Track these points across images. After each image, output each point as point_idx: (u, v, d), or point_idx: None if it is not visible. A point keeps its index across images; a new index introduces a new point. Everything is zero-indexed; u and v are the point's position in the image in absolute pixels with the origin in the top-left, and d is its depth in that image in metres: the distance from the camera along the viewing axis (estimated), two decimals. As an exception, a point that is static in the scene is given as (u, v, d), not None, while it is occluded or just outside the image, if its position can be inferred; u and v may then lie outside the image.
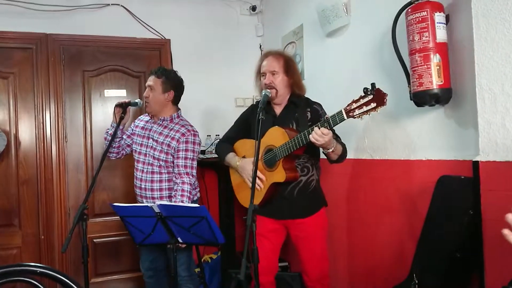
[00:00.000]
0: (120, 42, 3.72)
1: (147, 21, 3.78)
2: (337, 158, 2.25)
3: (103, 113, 3.71)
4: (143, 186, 2.70)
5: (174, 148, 2.65)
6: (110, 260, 3.61)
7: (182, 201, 2.53)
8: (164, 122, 2.74)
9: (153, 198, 2.68)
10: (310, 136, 2.03)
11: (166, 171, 2.68)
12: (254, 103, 2.63)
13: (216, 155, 2.76)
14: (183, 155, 2.64)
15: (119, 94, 3.74)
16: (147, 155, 2.71)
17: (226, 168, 2.65)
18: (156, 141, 2.70)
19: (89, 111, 3.67)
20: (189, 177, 2.62)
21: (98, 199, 3.65)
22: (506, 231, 0.88)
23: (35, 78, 3.49)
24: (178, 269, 2.57)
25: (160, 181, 2.68)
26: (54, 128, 3.53)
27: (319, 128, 2.00)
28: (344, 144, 2.28)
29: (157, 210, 2.17)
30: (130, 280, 3.71)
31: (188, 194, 2.59)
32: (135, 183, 2.78)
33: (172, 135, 2.67)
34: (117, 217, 2.31)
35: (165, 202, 2.22)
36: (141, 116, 2.97)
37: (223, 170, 2.92)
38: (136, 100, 2.74)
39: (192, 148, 2.66)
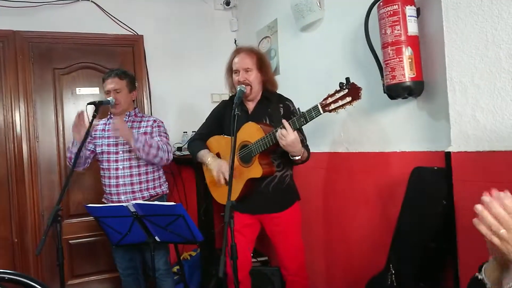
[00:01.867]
0: (91, 39, 3.64)
1: (119, 17, 3.71)
2: (300, 162, 2.25)
3: (75, 112, 3.51)
4: (121, 183, 2.72)
5: (150, 134, 2.77)
6: (86, 261, 3.55)
7: (146, 141, 2.58)
8: (130, 117, 2.83)
9: (133, 192, 2.73)
10: (277, 134, 2.04)
11: (144, 163, 2.75)
12: (228, 99, 2.61)
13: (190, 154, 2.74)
14: (157, 134, 2.77)
15: (92, 92, 3.67)
16: (123, 152, 2.74)
17: (201, 165, 2.63)
18: None
19: (61, 110, 3.59)
20: (168, 146, 2.73)
21: (74, 199, 3.57)
22: (476, 221, 0.90)
23: (2, 77, 3.38)
24: (157, 263, 2.68)
25: (139, 174, 2.75)
26: (24, 128, 3.43)
27: (291, 125, 2.03)
28: (308, 148, 2.30)
29: (132, 209, 2.14)
30: (107, 281, 3.65)
31: (161, 153, 2.65)
32: (107, 183, 2.76)
33: (144, 125, 2.80)
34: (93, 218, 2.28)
35: (140, 201, 2.19)
36: (95, 122, 2.87)
37: (200, 166, 2.90)
38: (108, 99, 2.72)
39: (164, 130, 2.82)
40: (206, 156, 2.45)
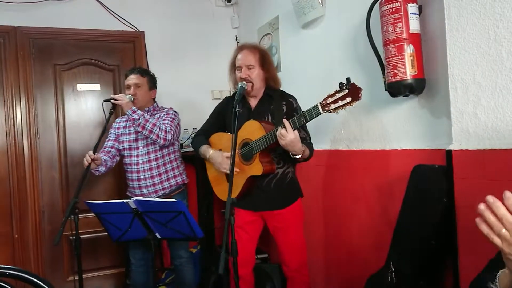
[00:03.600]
0: (92, 35, 3.63)
1: (120, 13, 3.70)
2: (301, 160, 2.26)
3: (76, 108, 3.62)
4: (142, 177, 2.85)
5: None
6: (89, 257, 3.55)
7: (143, 115, 2.71)
8: (148, 112, 2.91)
9: (153, 185, 2.85)
10: (277, 133, 2.04)
11: (161, 155, 2.87)
12: (230, 95, 2.61)
13: (193, 149, 2.75)
14: (163, 117, 2.86)
15: (93, 88, 3.66)
16: (142, 146, 2.86)
17: (204, 161, 2.63)
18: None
19: (62, 106, 3.58)
20: (168, 126, 2.77)
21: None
22: (478, 220, 0.89)
23: (3, 73, 3.37)
24: (179, 252, 2.94)
25: (157, 166, 2.86)
26: (25, 124, 3.43)
27: (291, 125, 2.03)
28: (312, 145, 2.30)
29: (133, 206, 2.14)
30: (110, 277, 3.67)
31: (156, 130, 2.71)
32: (130, 177, 2.89)
33: (158, 117, 2.89)
34: (93, 214, 2.29)
35: (140, 198, 2.19)
36: (117, 119, 3.08)
37: (200, 163, 2.91)
38: (127, 96, 2.79)
39: (173, 117, 2.88)
40: (207, 150, 2.46)
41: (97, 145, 2.55)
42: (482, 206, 0.89)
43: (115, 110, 2.76)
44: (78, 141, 3.59)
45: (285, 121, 2.03)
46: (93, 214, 2.28)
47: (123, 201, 2.15)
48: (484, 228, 0.89)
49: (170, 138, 2.77)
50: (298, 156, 2.15)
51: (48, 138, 3.52)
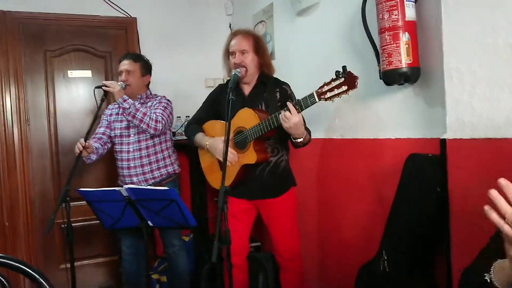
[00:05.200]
0: (83, 21, 3.56)
1: (112, -1, 3.64)
2: (302, 145, 2.25)
3: (67, 95, 3.57)
4: (132, 165, 2.83)
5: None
6: (81, 245, 3.52)
7: (134, 104, 2.68)
8: (141, 99, 2.89)
9: (144, 173, 2.84)
10: (280, 118, 2.02)
11: (152, 143, 2.87)
12: (224, 83, 2.58)
13: (186, 137, 2.73)
14: (157, 106, 2.83)
15: (84, 75, 3.61)
16: (134, 134, 2.84)
17: (197, 150, 2.62)
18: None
19: (52, 93, 3.52)
20: (159, 116, 2.75)
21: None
22: (487, 208, 0.85)
23: (-8, 59, 3.31)
24: (171, 240, 2.93)
25: (148, 155, 2.85)
26: (15, 112, 3.37)
27: (289, 111, 1.99)
28: (309, 130, 2.28)
29: (125, 193, 2.12)
30: (102, 265, 3.66)
31: (146, 119, 2.69)
32: (120, 165, 2.87)
33: (150, 104, 2.87)
34: (85, 202, 2.27)
35: (132, 186, 2.18)
36: (110, 106, 3.05)
37: (193, 151, 2.89)
38: (119, 83, 2.76)
39: (165, 105, 2.85)
40: (203, 139, 2.43)
41: (88, 133, 2.52)
42: (494, 192, 0.83)
43: (107, 97, 2.72)
44: (69, 128, 3.54)
45: (289, 104, 2.01)
46: (85, 202, 2.26)
47: (115, 189, 2.13)
48: (495, 216, 0.83)
49: (160, 127, 2.74)
50: (299, 140, 2.14)
51: (39, 126, 3.47)
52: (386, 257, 1.93)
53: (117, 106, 2.92)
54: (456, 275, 1.68)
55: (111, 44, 3.68)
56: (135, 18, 3.74)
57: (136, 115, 2.67)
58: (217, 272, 2.63)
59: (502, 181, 0.84)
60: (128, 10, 3.69)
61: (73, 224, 2.66)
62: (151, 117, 2.70)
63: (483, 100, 1.58)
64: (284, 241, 2.41)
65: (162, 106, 2.83)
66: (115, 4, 3.64)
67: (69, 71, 3.56)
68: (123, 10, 3.68)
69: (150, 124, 2.69)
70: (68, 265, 2.41)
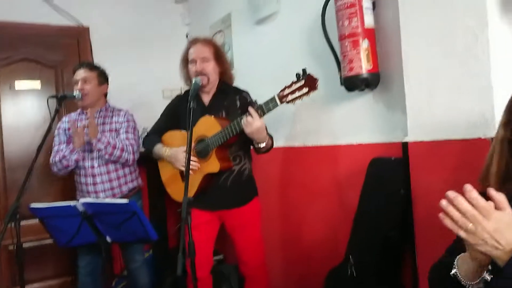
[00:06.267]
0: (32, 29, 3.38)
1: (63, 6, 3.48)
2: (265, 151, 2.23)
3: (14, 107, 3.36)
4: (98, 181, 2.70)
5: (117, 130, 2.76)
6: (31, 267, 3.30)
7: (109, 143, 2.58)
8: (101, 113, 2.79)
9: (112, 188, 2.72)
10: (242, 122, 2.00)
11: None
12: (182, 94, 2.54)
13: (144, 149, 2.64)
14: (125, 130, 2.74)
15: (33, 86, 3.42)
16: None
17: (155, 162, 2.53)
18: (103, 132, 2.70)
19: (-2, 106, 3.31)
20: (134, 145, 2.72)
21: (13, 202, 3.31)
22: (442, 215, 0.89)
23: None
24: (133, 255, 2.81)
25: (116, 169, 2.73)
26: (-44, 125, 3.13)
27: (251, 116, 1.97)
28: (271, 135, 2.28)
29: (81, 208, 2.01)
30: (55, 287, 3.43)
31: (125, 155, 2.65)
32: (83, 181, 2.72)
33: (115, 120, 2.77)
34: (36, 220, 2.12)
35: (90, 199, 2.07)
36: (64, 118, 2.88)
37: (151, 164, 2.80)
38: (74, 93, 2.65)
39: (133, 126, 2.80)
40: (162, 149, 2.36)
41: (41, 146, 2.34)
42: (444, 203, 0.87)
43: (61, 107, 2.56)
44: (17, 143, 3.33)
45: (251, 109, 1.99)
46: (35, 220, 2.11)
47: (70, 204, 2.01)
48: (448, 222, 0.88)
49: (138, 156, 2.73)
50: (262, 145, 2.11)
51: (-18, 141, 3.25)
52: (353, 261, 1.93)
53: (73, 118, 2.78)
54: (422, 275, 1.70)
55: (62, 54, 3.52)
56: (88, 28, 3.60)
57: (114, 153, 2.60)
58: (181, 287, 2.54)
59: (450, 194, 0.87)
60: (80, 19, 3.56)
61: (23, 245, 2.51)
62: (128, 150, 2.66)
63: (442, 103, 1.63)
64: (250, 250, 2.37)
65: (131, 129, 2.77)
66: (66, 12, 3.50)
67: (16, 82, 3.36)
68: (74, 19, 3.54)
69: (129, 159, 2.67)
70: (18, 289, 2.24)
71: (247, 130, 2.00)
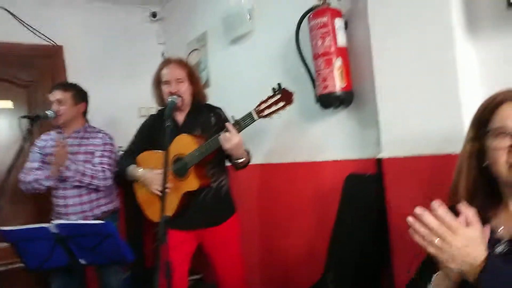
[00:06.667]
0: (4, 48, 3.32)
1: (35, 25, 3.45)
2: (242, 166, 2.24)
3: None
4: (70, 203, 2.61)
5: (92, 153, 2.68)
6: (-1, 293, 3.19)
7: (78, 171, 2.51)
8: (79, 134, 2.72)
9: (83, 211, 2.62)
10: (220, 138, 2.00)
11: None
12: (156, 113, 2.52)
13: (120, 171, 2.59)
14: (99, 155, 2.67)
15: (4, 106, 3.35)
16: None
17: (131, 183, 2.49)
18: (77, 153, 2.64)
19: (-32, 127, 3.22)
20: (107, 171, 2.63)
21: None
22: (411, 231, 0.90)
23: None
24: (109, 279, 2.71)
25: (89, 193, 2.63)
26: None
27: (229, 131, 1.98)
28: (249, 150, 2.28)
29: (54, 230, 1.95)
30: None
31: (95, 181, 2.58)
32: (56, 202, 2.64)
33: (91, 143, 2.70)
34: (6, 244, 2.05)
35: (64, 221, 2.01)
36: (42, 136, 2.79)
37: (127, 184, 2.75)
38: (48, 112, 2.58)
39: (110, 150, 2.72)
40: (135, 170, 2.33)
41: (12, 166, 2.27)
42: (411, 219, 0.89)
43: (34, 127, 2.48)
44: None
45: (229, 124, 1.99)
46: (3, 244, 2.03)
47: (43, 226, 1.95)
48: (417, 238, 0.89)
49: (111, 181, 2.65)
50: (240, 160, 2.12)
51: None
52: (332, 277, 1.94)
53: (51, 137, 2.72)
54: (400, 289, 1.72)
55: (36, 73, 3.47)
56: (61, 46, 3.57)
57: (83, 181, 2.54)
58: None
59: (417, 210, 0.88)
60: (53, 38, 3.52)
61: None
62: (99, 177, 2.58)
63: (414, 119, 1.68)
64: (229, 269, 2.33)
65: (108, 153, 2.69)
66: (39, 32, 3.46)
67: (-13, 102, 3.30)
68: (47, 38, 3.50)
69: (99, 185, 2.60)
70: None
71: (226, 145, 2.00)
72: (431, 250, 0.88)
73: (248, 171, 2.35)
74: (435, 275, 1.03)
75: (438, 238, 0.87)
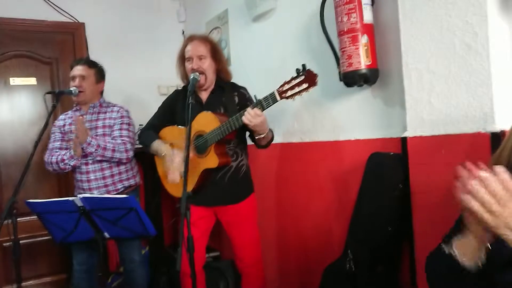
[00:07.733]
0: (27, 25, 3.36)
1: (58, 3, 3.47)
2: (266, 144, 2.23)
3: (9, 104, 3.34)
4: (92, 178, 2.66)
5: (111, 126, 2.72)
6: (26, 264, 3.27)
7: (99, 146, 2.54)
8: (95, 109, 2.75)
9: (106, 185, 2.68)
10: (243, 117, 1.99)
11: None
12: (180, 88, 2.52)
13: (139, 146, 2.62)
14: (119, 128, 2.70)
15: (28, 82, 3.40)
16: None
17: (151, 158, 2.52)
18: (96, 128, 2.69)
19: (-8, 102, 3.28)
20: (128, 143, 2.66)
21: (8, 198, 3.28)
22: (468, 197, 0.88)
23: None
24: (131, 255, 2.77)
25: (110, 167, 2.68)
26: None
27: (252, 109, 1.97)
28: (272, 129, 2.27)
29: (79, 203, 2.00)
30: (50, 284, 3.41)
31: (117, 155, 2.61)
32: (79, 178, 2.69)
33: (109, 116, 2.73)
34: (30, 217, 2.10)
35: (88, 195, 2.05)
36: (61, 115, 2.84)
37: (148, 160, 2.78)
38: (71, 89, 2.62)
39: (128, 122, 2.76)
40: (161, 147, 2.35)
41: (38, 142, 2.32)
42: (476, 183, 0.87)
43: (58, 103, 2.53)
44: (11, 139, 3.31)
45: (253, 106, 2.00)
46: (30, 217, 2.08)
47: (68, 199, 1.99)
48: (475, 204, 0.87)
49: (132, 153, 2.68)
50: (263, 135, 2.11)
51: (-23, 137, 3.22)
52: (351, 256, 1.94)
53: (69, 115, 2.76)
54: (421, 269, 1.71)
55: (58, 50, 3.50)
56: (83, 24, 3.59)
57: (105, 155, 2.57)
58: (176, 283, 2.53)
59: (483, 173, 0.87)
60: (75, 15, 3.54)
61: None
62: (120, 150, 2.61)
63: (441, 97, 1.64)
64: (246, 246, 2.36)
65: (126, 126, 2.72)
66: (61, 9, 3.48)
67: (11, 78, 3.34)
68: (69, 15, 3.52)
69: (122, 158, 2.63)
70: (14, 286, 2.21)
71: (255, 121, 1.98)
72: (486, 216, 0.87)
73: (269, 150, 2.35)
74: (455, 239, 1.03)
75: (496, 204, 0.85)
